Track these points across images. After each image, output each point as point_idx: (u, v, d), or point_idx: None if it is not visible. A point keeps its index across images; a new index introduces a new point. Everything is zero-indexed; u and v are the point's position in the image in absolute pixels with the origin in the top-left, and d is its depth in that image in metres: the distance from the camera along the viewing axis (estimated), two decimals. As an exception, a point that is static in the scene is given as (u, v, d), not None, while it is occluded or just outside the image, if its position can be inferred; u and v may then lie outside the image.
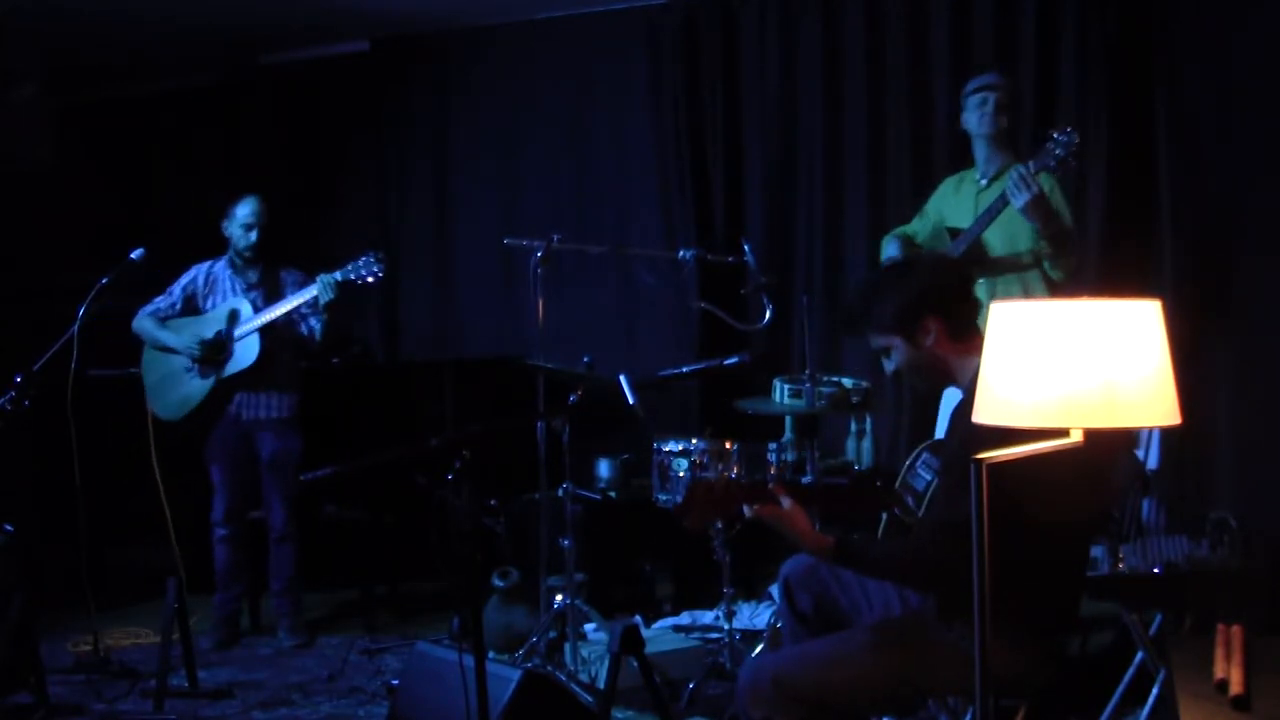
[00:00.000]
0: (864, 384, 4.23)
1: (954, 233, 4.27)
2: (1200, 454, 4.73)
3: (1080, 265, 4.33)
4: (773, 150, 5.78)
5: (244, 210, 4.75)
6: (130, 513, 5.06)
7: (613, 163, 6.13)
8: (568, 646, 4.06)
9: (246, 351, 4.64)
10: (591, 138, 6.17)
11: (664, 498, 4.17)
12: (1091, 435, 1.91)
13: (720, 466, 4.10)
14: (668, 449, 4.16)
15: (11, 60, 6.11)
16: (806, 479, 4.20)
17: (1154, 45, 4.96)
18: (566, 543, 4.11)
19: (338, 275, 4.54)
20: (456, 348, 6.30)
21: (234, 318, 4.68)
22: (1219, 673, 2.45)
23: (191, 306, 4.80)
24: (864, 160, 5.55)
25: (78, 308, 4.15)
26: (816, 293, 5.37)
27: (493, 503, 5.14)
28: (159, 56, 6.44)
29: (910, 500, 3.15)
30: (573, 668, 3.98)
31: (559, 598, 4.15)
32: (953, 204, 4.41)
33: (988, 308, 2.02)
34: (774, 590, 4.53)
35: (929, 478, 3.05)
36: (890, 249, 4.46)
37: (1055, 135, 3.94)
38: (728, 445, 4.14)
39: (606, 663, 3.28)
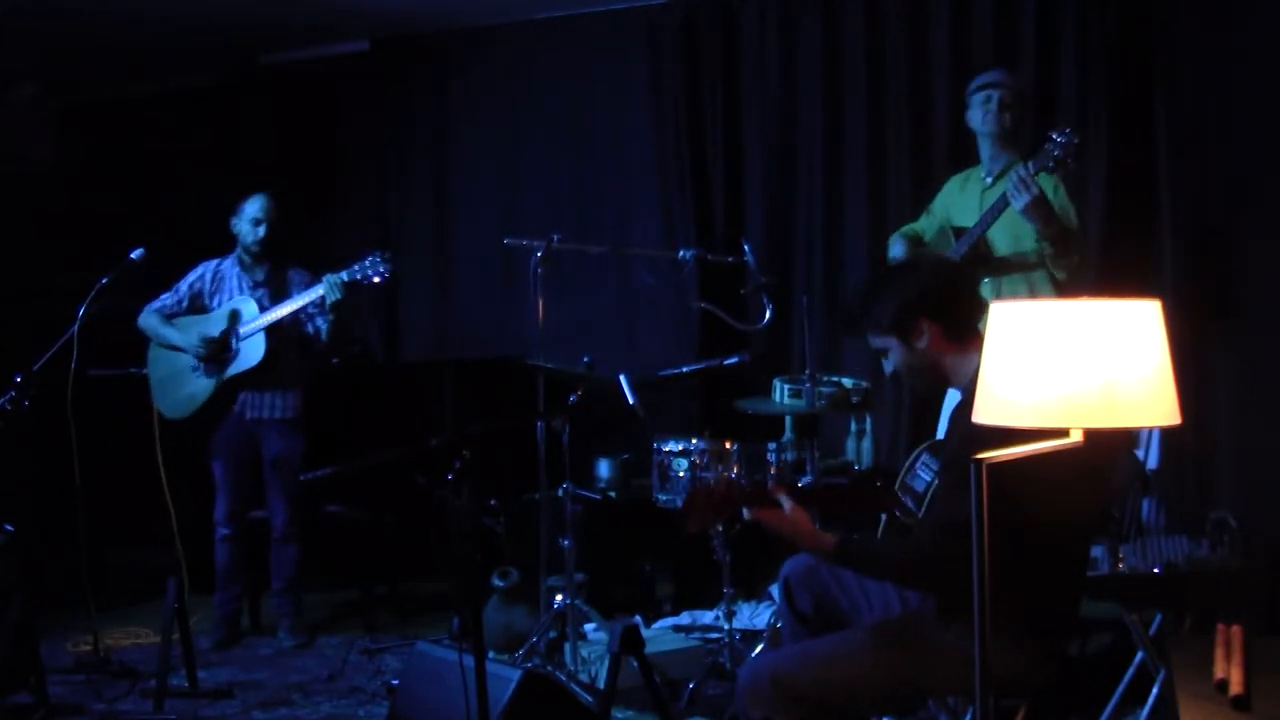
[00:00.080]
0: (864, 384, 4.23)
1: (958, 232, 4.27)
2: (1200, 454, 4.73)
3: (1081, 265, 4.32)
4: (773, 150, 5.78)
5: (253, 206, 4.74)
6: (131, 513, 5.06)
7: (613, 163, 6.12)
8: (568, 646, 4.06)
9: (253, 351, 4.63)
10: (591, 138, 6.16)
11: (664, 498, 4.17)
12: (1091, 435, 1.91)
13: (720, 467, 4.10)
14: (668, 449, 4.16)
15: (11, 60, 6.12)
16: (806, 479, 4.20)
17: (1154, 45, 4.96)
18: (566, 543, 4.11)
19: (344, 275, 4.53)
20: (456, 348, 6.30)
21: (235, 318, 4.68)
22: (1219, 673, 2.45)
23: (198, 304, 4.80)
24: (864, 160, 5.55)
25: (78, 308, 4.15)
26: (816, 293, 5.37)
27: (493, 503, 5.14)
28: (159, 56, 6.43)
29: (910, 501, 3.15)
30: (573, 668, 3.98)
31: (559, 598, 4.15)
32: (958, 202, 4.41)
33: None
34: (774, 590, 4.53)
35: (929, 479, 3.05)
36: (896, 249, 4.46)
37: (1054, 136, 3.94)
38: (728, 445, 4.14)
39: (606, 663, 3.28)
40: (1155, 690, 3.09)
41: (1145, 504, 3.71)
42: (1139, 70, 5.00)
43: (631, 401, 3.93)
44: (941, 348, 2.57)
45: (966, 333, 2.57)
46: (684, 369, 4.50)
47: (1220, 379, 4.73)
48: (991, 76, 4.33)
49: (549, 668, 3.95)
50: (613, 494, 5.03)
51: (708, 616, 4.77)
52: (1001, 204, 4.05)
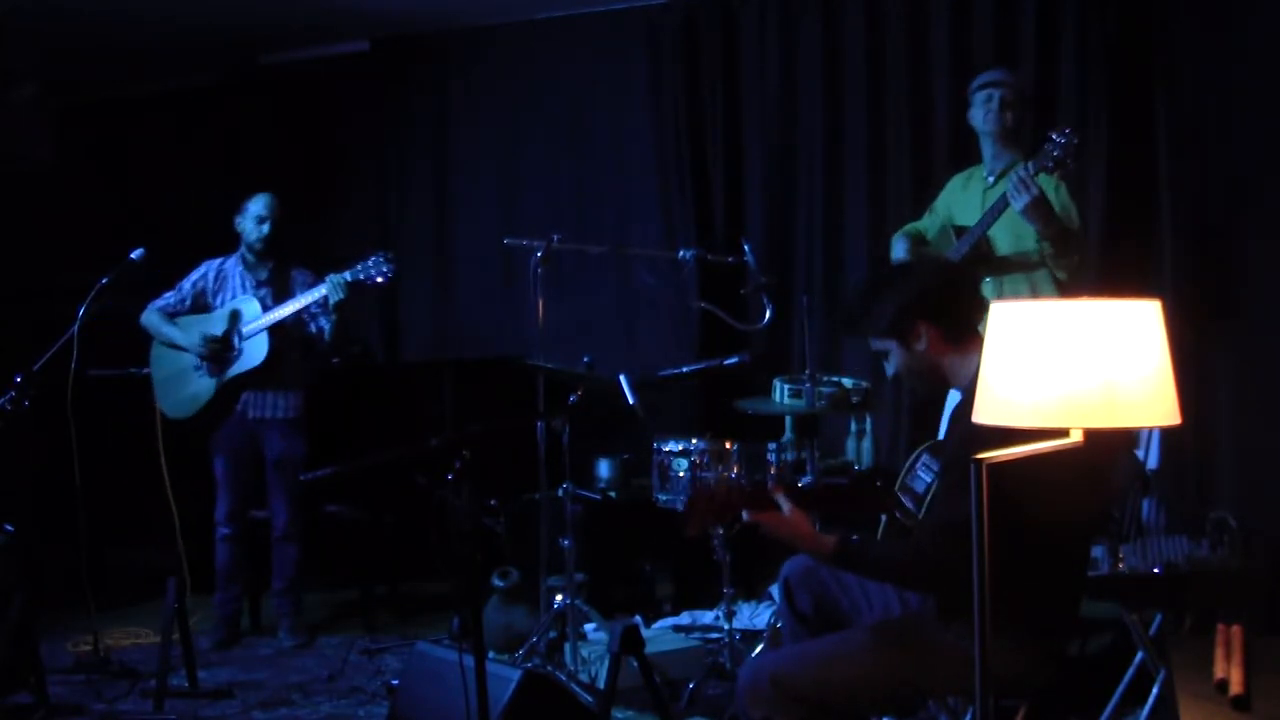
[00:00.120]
0: (864, 384, 4.23)
1: (960, 231, 4.26)
2: (1200, 454, 4.73)
3: (1082, 265, 4.32)
4: (773, 150, 5.78)
5: (257, 204, 4.74)
6: (131, 512, 5.06)
7: (613, 163, 6.13)
8: (568, 646, 4.06)
9: (256, 350, 4.63)
10: (591, 138, 6.16)
11: (664, 498, 4.17)
12: (1091, 435, 1.91)
13: (720, 467, 4.10)
14: (668, 449, 4.16)
15: (11, 60, 6.12)
16: (806, 479, 4.20)
17: (1154, 45, 4.96)
18: (566, 543, 4.11)
19: (347, 275, 4.53)
20: (456, 348, 6.30)
21: (236, 318, 4.68)
22: (1219, 673, 2.45)
23: (201, 303, 4.79)
24: (864, 160, 5.55)
25: (78, 308, 4.15)
26: (816, 293, 5.37)
27: (493, 503, 5.14)
28: (159, 56, 6.43)
29: (910, 502, 3.15)
30: (573, 668, 3.98)
31: (559, 598, 4.15)
32: (961, 200, 4.41)
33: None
34: (774, 590, 4.53)
35: (929, 479, 3.04)
36: (898, 248, 4.46)
37: (1054, 136, 3.94)
38: (728, 445, 4.15)
39: (606, 663, 3.28)
40: (1155, 690, 3.09)
41: (1145, 504, 3.71)
42: (1139, 70, 5.00)
43: (631, 401, 3.93)
44: (940, 349, 2.57)
45: (965, 334, 2.57)
46: (684, 369, 4.50)
47: (1220, 379, 4.73)
48: (993, 75, 4.33)
49: (549, 668, 3.95)
50: (613, 494, 5.03)
51: (708, 616, 4.77)
52: (1001, 204, 4.05)
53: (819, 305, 5.07)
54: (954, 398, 3.24)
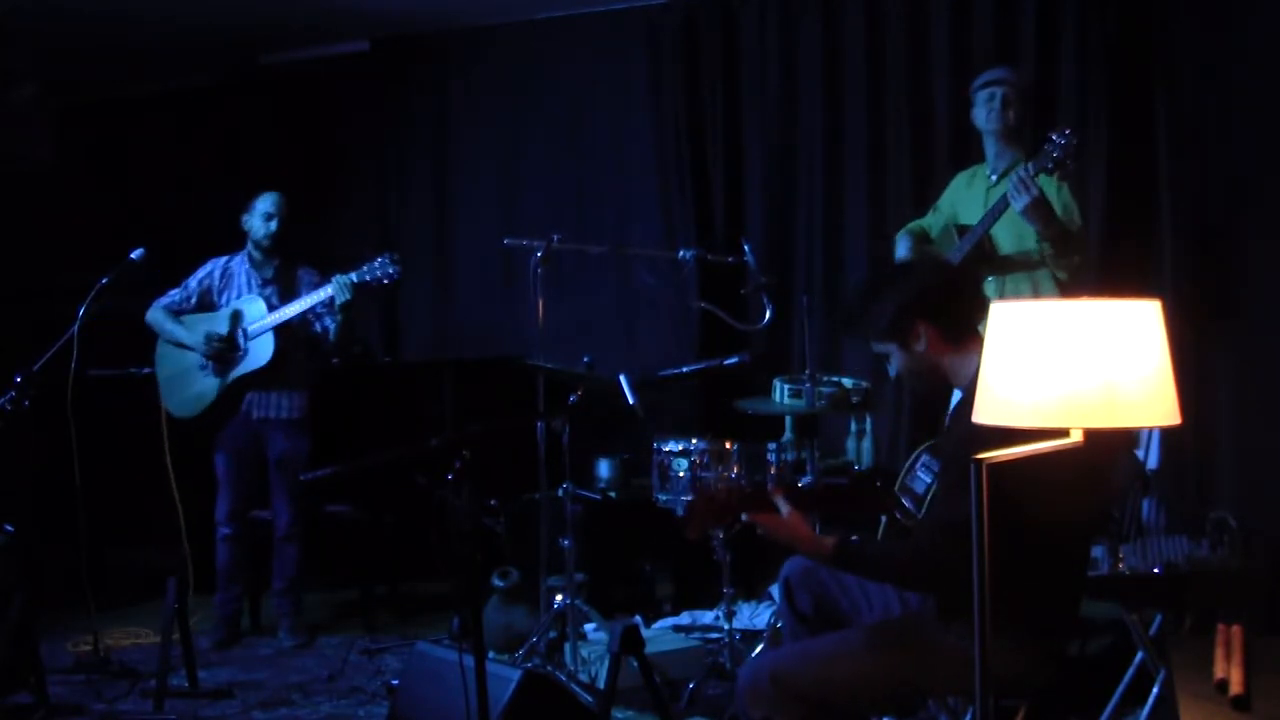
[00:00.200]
0: (864, 384, 4.23)
1: (962, 230, 4.27)
2: (1200, 454, 4.73)
3: (1082, 265, 4.32)
4: (773, 150, 5.78)
5: (265, 202, 4.74)
6: (132, 512, 5.06)
7: (613, 163, 6.13)
8: (568, 646, 4.06)
9: (261, 351, 4.63)
10: (591, 138, 6.17)
11: (664, 498, 4.16)
12: (1091, 435, 1.91)
13: (720, 467, 4.10)
14: (668, 449, 4.16)
15: (11, 60, 6.12)
16: (806, 479, 4.20)
17: (1154, 45, 4.96)
18: (566, 543, 4.11)
19: (353, 276, 4.52)
20: (456, 348, 6.30)
21: (237, 318, 4.68)
22: (1219, 673, 2.45)
23: (207, 301, 4.79)
24: (864, 160, 5.55)
25: (78, 308, 4.15)
26: (816, 293, 5.37)
27: (493, 503, 5.14)
28: (159, 56, 6.43)
29: (910, 503, 3.15)
30: (573, 668, 3.98)
31: (559, 598, 4.15)
32: (964, 198, 4.42)
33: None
34: (774, 590, 4.53)
35: (928, 480, 3.05)
36: (901, 246, 4.46)
37: (1053, 137, 3.94)
38: (728, 445, 4.14)
39: (606, 663, 3.29)
40: (1155, 690, 3.09)
41: (1145, 504, 3.71)
42: (1139, 70, 5.00)
43: (631, 401, 3.93)
44: (940, 350, 2.57)
45: (965, 334, 2.57)
46: (684, 369, 4.50)
47: (1220, 379, 4.73)
48: (995, 74, 4.33)
49: (549, 668, 3.95)
50: (613, 494, 5.03)
51: (708, 616, 4.77)
52: (1002, 205, 4.05)
53: (819, 305, 5.07)
54: (959, 397, 3.24)
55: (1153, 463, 3.99)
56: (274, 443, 4.78)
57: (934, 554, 2.40)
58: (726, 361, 4.19)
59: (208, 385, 4.70)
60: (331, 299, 4.53)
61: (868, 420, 5.18)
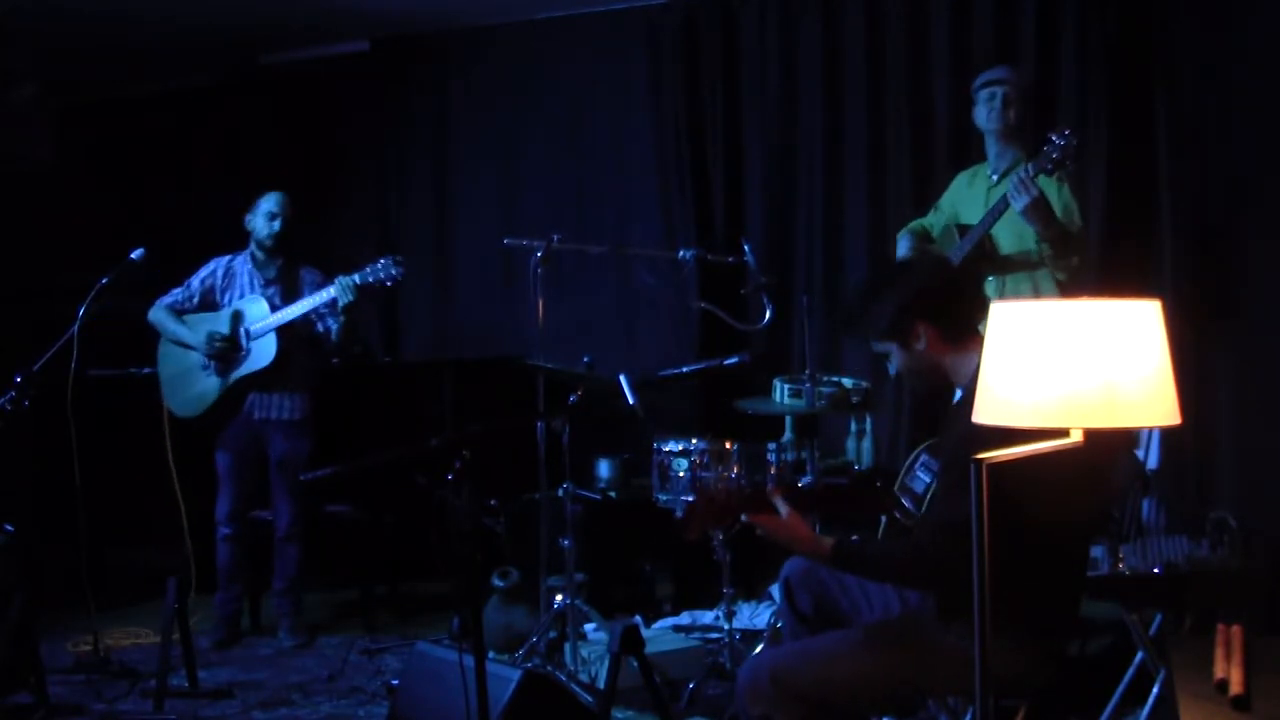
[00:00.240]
0: (864, 384, 4.23)
1: (963, 229, 4.27)
2: (1200, 454, 4.73)
3: (1081, 266, 4.33)
4: (773, 150, 5.78)
5: (269, 202, 4.73)
6: (133, 512, 5.06)
7: (613, 163, 6.13)
8: (568, 646, 4.06)
9: (263, 352, 4.63)
10: (591, 138, 6.17)
11: (664, 498, 4.16)
12: (1091, 435, 1.91)
13: (720, 467, 4.10)
14: (668, 449, 4.16)
15: (11, 60, 6.12)
16: (806, 479, 4.20)
17: (1154, 45, 4.96)
18: (566, 543, 4.11)
19: (356, 278, 4.52)
20: (456, 348, 6.30)
21: (238, 318, 4.67)
22: (1219, 673, 2.45)
23: (209, 300, 4.78)
24: (864, 160, 5.55)
25: (78, 308, 4.15)
26: (816, 293, 5.37)
27: (493, 503, 5.14)
28: (159, 56, 6.43)
29: (909, 503, 3.15)
30: (573, 668, 3.98)
31: (559, 598, 4.15)
32: (966, 197, 4.42)
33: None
34: (774, 590, 4.53)
35: (928, 480, 3.05)
36: (903, 245, 4.47)
37: (1053, 138, 3.94)
38: (728, 445, 4.14)
39: (606, 663, 3.28)
40: (1155, 690, 3.09)
41: (1145, 504, 3.71)
42: (1139, 70, 5.00)
43: (631, 401, 3.93)
44: (940, 349, 2.57)
45: (965, 333, 2.57)
46: (684, 369, 4.50)
47: (1220, 379, 4.73)
48: (995, 73, 4.34)
49: (549, 668, 3.95)
50: (613, 494, 5.03)
51: (708, 616, 4.77)
52: (1002, 205, 4.05)
53: (819, 305, 5.07)
54: (959, 397, 3.24)
55: (1153, 463, 3.99)
56: (275, 443, 4.78)
57: (934, 553, 2.40)
58: (726, 361, 4.19)
59: (210, 385, 4.70)
60: (334, 300, 4.53)
61: (868, 420, 5.18)
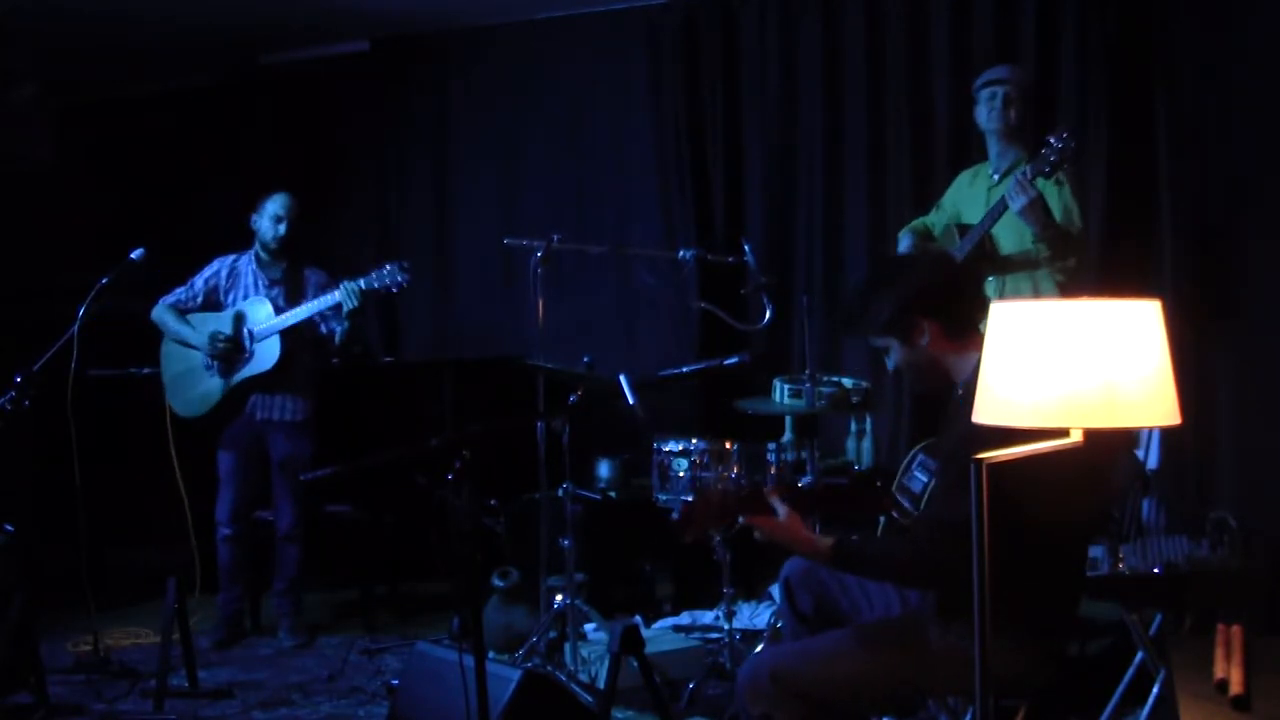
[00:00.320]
0: (864, 384, 4.23)
1: (964, 229, 4.27)
2: (1200, 454, 4.73)
3: (1079, 268, 4.33)
4: (773, 150, 5.78)
5: (275, 204, 4.72)
6: (133, 512, 5.06)
7: (613, 163, 6.13)
8: (568, 646, 4.06)
9: (267, 354, 4.63)
10: (591, 138, 6.17)
11: (664, 498, 4.16)
12: (1091, 435, 1.91)
13: (720, 467, 4.10)
14: (668, 449, 4.16)
15: (11, 60, 6.12)
16: (806, 479, 4.20)
17: (1154, 45, 4.96)
18: (566, 543, 4.11)
19: (362, 283, 4.52)
20: (456, 348, 6.30)
21: (240, 319, 4.67)
22: (1219, 673, 2.45)
23: (213, 300, 4.78)
24: (864, 160, 5.56)
25: (78, 308, 4.15)
26: (816, 293, 5.37)
27: (493, 503, 5.14)
28: (159, 56, 6.44)
29: (907, 503, 3.14)
30: (573, 668, 3.98)
31: (559, 598, 4.15)
32: (967, 196, 4.42)
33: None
34: (774, 590, 4.53)
35: (925, 479, 3.04)
36: (904, 244, 4.47)
37: (1051, 140, 3.94)
38: (728, 445, 4.14)
39: (606, 663, 3.28)
40: (1155, 690, 3.09)
41: (1145, 504, 3.71)
42: (1139, 70, 5.00)
43: (631, 401, 3.93)
44: (941, 346, 2.56)
45: (966, 331, 2.57)
46: (684, 369, 4.49)
47: (1220, 379, 4.73)
48: (996, 73, 4.34)
49: (549, 668, 3.95)
50: (613, 494, 5.03)
51: (708, 616, 4.77)
52: (1002, 205, 4.05)
53: (819, 305, 5.06)
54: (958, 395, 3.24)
55: (1153, 463, 3.99)
56: (277, 444, 4.78)
57: (933, 552, 2.39)
58: (726, 361, 4.19)
59: (212, 386, 4.70)
60: (340, 305, 4.53)
61: (868, 420, 5.17)
